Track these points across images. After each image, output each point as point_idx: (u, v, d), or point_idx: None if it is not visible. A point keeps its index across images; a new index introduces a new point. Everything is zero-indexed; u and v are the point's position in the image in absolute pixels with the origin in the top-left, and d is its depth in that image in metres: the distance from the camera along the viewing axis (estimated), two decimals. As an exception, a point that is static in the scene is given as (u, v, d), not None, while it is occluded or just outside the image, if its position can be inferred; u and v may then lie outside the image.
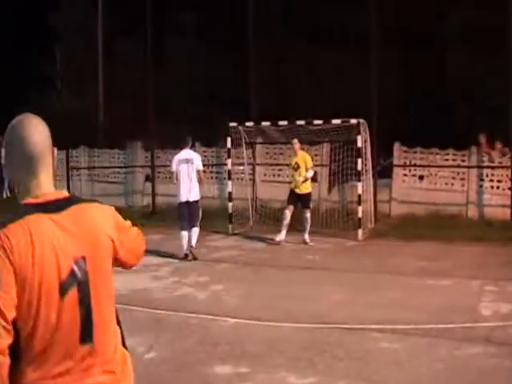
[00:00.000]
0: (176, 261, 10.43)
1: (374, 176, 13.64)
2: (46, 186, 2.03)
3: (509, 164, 13.38)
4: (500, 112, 13.35)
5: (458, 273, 9.07)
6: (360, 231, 12.26)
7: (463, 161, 14.02)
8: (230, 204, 13.50)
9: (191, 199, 10.47)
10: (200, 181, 10.58)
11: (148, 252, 10.31)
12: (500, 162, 13.72)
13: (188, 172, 10.46)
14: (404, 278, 8.95)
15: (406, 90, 17.01)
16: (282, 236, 11.82)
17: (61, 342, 1.92)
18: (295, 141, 12.08)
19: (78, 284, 1.94)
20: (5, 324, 1.82)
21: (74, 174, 18.21)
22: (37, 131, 2.03)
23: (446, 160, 14.16)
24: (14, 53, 22.62)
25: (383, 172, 14.86)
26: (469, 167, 13.82)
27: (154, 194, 16.18)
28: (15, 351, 1.87)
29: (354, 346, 5.97)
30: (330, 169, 14.91)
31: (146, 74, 16.52)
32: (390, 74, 14.83)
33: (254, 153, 15.43)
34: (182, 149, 10.75)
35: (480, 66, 16.00)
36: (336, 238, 12.31)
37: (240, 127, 13.86)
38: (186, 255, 10.44)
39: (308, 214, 11.89)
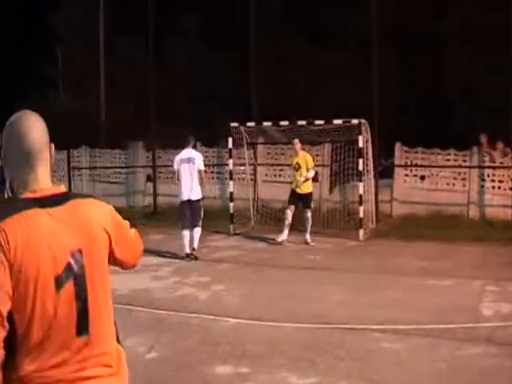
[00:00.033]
0: (177, 261, 10.42)
1: (375, 176, 13.61)
2: (44, 181, 2.05)
3: (510, 164, 13.38)
4: (501, 112, 13.33)
5: (460, 273, 9.06)
6: (361, 231, 12.26)
7: (464, 161, 14.00)
8: (232, 204, 13.49)
9: (193, 198, 10.44)
10: (201, 181, 10.53)
11: (149, 252, 10.25)
12: (501, 162, 13.70)
13: (190, 171, 10.44)
14: (405, 278, 8.93)
15: (406, 90, 17.03)
16: (284, 236, 11.82)
17: (57, 334, 1.94)
18: (296, 141, 12.08)
19: (75, 277, 1.96)
20: None
21: (75, 174, 18.20)
22: (35, 128, 2.05)
23: (448, 160, 14.14)
24: (15, 53, 22.65)
25: (384, 172, 14.84)
26: (470, 167, 13.81)
27: (155, 194, 16.17)
28: (11, 344, 1.88)
29: (355, 346, 5.96)
30: (331, 169, 14.88)
31: (148, 74, 16.50)
32: (390, 74, 14.81)
33: (255, 153, 15.43)
34: (183, 148, 10.75)
35: (480, 65, 16.01)
36: (337, 238, 12.29)
37: (241, 127, 13.84)
38: (187, 255, 10.44)
39: (309, 214, 11.88)
